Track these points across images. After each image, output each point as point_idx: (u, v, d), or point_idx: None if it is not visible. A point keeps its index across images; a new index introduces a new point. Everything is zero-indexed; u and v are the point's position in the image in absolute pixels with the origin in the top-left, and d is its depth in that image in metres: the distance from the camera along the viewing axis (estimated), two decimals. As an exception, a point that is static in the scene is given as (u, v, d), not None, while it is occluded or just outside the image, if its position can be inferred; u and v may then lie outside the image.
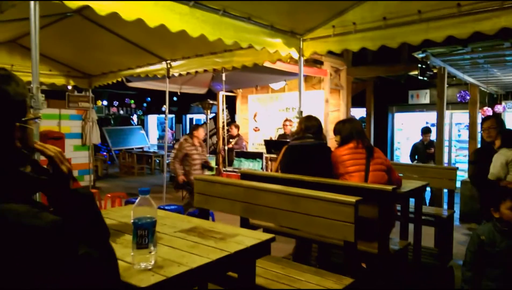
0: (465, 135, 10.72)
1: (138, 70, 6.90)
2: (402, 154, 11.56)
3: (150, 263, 1.58)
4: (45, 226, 0.96)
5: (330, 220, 2.53)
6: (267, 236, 2.04)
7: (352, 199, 2.42)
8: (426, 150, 7.87)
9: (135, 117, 20.44)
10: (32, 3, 2.78)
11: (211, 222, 2.38)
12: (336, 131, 3.70)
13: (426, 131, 8.13)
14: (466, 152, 8.38)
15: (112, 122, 19.22)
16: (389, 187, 2.86)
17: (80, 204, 1.21)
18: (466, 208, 7.08)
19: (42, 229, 0.95)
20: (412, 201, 3.69)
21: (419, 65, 5.12)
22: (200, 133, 7.09)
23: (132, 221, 1.56)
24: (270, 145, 7.79)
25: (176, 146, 7.10)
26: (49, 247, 0.95)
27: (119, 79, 7.64)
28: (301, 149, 3.66)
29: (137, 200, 1.59)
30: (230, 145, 8.93)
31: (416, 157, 8.09)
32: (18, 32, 5.54)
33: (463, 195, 7.26)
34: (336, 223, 2.50)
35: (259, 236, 2.05)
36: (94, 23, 5.04)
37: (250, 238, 2.00)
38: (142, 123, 20.97)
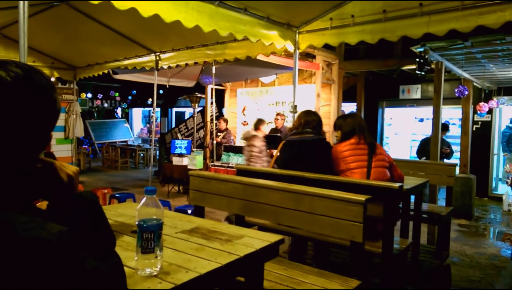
0: (453, 130, 10.79)
1: (126, 62, 6.73)
2: (391, 149, 11.57)
3: (156, 268, 1.46)
4: (51, 238, 0.83)
5: (337, 219, 2.43)
6: (276, 237, 1.93)
7: (361, 197, 2.32)
8: (441, 149, 7.05)
9: (119, 110, 20.10)
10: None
11: (213, 222, 2.26)
12: (336, 126, 3.60)
13: (443, 128, 6.99)
14: (456, 148, 8.38)
15: (95, 115, 18.88)
16: (396, 185, 2.78)
17: (85, 210, 1.09)
18: (457, 204, 7.08)
19: (48, 242, 0.82)
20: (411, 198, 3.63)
21: (417, 60, 5.06)
22: (266, 128, 6.77)
23: (137, 222, 1.43)
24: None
25: (246, 143, 6.66)
26: (55, 261, 0.82)
27: (105, 71, 7.46)
28: (300, 144, 3.55)
29: (142, 200, 1.47)
30: (218, 139, 8.79)
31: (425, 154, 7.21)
32: (1, 22, 5.32)
33: (454, 191, 7.26)
34: (343, 222, 2.40)
35: (267, 237, 1.93)
36: (81, 13, 4.87)
37: (258, 239, 1.89)
38: (127, 116, 20.63)
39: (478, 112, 7.31)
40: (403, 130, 11.71)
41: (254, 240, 1.89)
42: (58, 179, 1.10)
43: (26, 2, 2.70)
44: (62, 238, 0.86)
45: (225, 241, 1.87)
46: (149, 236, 1.43)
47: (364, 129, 3.48)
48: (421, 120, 11.41)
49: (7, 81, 0.90)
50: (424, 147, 7.37)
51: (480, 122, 9.67)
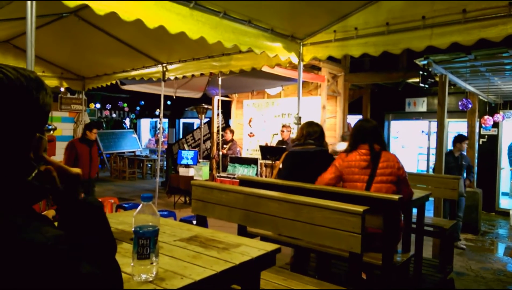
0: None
1: (133, 72, 6.81)
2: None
3: (151, 274, 1.48)
4: (46, 242, 0.86)
5: (335, 230, 2.43)
6: (272, 246, 1.94)
7: (359, 208, 2.32)
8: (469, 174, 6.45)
9: (127, 121, 20.25)
10: (28, 1, 2.66)
11: (212, 231, 2.27)
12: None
13: (460, 139, 6.48)
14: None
15: (104, 125, 19.03)
16: (395, 197, 2.77)
17: (89, 215, 1.12)
18: (464, 218, 7.01)
19: (43, 245, 0.85)
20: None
21: (421, 72, 5.07)
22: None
23: (133, 229, 1.46)
24: (266, 151, 7.70)
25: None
26: (49, 265, 0.84)
27: (113, 82, 7.55)
28: (302, 155, 3.57)
29: (139, 207, 1.49)
30: (224, 152, 8.82)
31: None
32: (12, 32, 5.45)
33: (460, 205, 7.20)
34: (341, 233, 2.40)
35: (264, 246, 1.95)
36: (90, 24, 4.96)
37: (254, 248, 1.91)
38: (135, 126, 20.78)
39: (483, 125, 7.27)
40: (410, 143, 11.68)
41: (250, 249, 1.90)
42: (69, 176, 1.12)
43: (33, 12, 2.76)
44: (57, 242, 0.88)
45: (222, 249, 1.89)
46: (145, 242, 1.45)
47: (369, 137, 3.31)
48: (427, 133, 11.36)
49: None
50: (446, 166, 6.39)
51: (486, 136, 9.60)
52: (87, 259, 0.99)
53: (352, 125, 10.49)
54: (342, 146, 6.41)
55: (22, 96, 0.97)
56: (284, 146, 7.26)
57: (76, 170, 1.15)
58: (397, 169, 3.23)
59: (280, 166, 3.80)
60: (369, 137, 3.31)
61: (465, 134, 6.87)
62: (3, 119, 0.94)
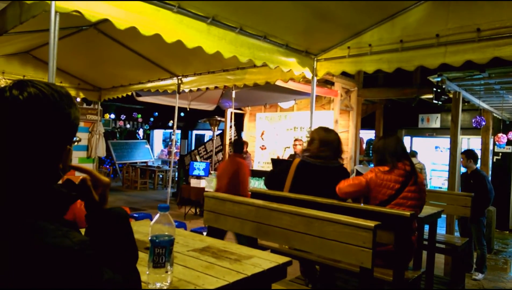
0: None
1: (149, 84, 6.91)
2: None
3: (166, 283, 1.52)
4: (73, 246, 0.91)
5: (346, 245, 2.45)
6: (284, 259, 1.97)
7: (371, 223, 2.34)
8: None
9: (141, 132, 20.45)
10: (53, 14, 2.75)
11: (224, 242, 2.31)
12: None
13: (469, 155, 5.90)
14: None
15: (118, 135, 19.24)
16: (407, 213, 2.78)
17: (114, 224, 1.17)
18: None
19: (70, 250, 0.90)
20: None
21: (434, 89, 5.08)
22: None
23: (149, 238, 1.50)
24: (277, 164, 7.72)
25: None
26: (74, 268, 0.90)
27: (129, 93, 7.66)
28: (322, 170, 3.50)
29: (155, 217, 1.54)
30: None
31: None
32: (32, 43, 5.58)
33: (472, 221, 7.11)
34: (352, 247, 2.42)
35: (276, 259, 1.97)
36: (108, 37, 5.06)
37: (266, 260, 1.93)
38: (148, 137, 20.96)
39: (497, 143, 7.23)
40: (423, 159, 11.60)
41: (262, 260, 1.93)
42: (90, 195, 1.18)
43: (57, 25, 2.85)
44: (83, 246, 0.93)
45: (234, 261, 1.92)
46: (161, 251, 1.49)
47: (402, 156, 3.19)
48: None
49: (19, 100, 0.98)
50: (462, 185, 6.09)
51: (500, 153, 9.51)
52: (110, 265, 1.03)
53: (365, 140, 10.48)
54: (364, 169, 6.35)
55: (56, 111, 1.04)
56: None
57: (106, 179, 1.21)
58: (424, 194, 3.22)
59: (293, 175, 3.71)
60: (403, 155, 3.22)
61: (472, 150, 6.61)
62: (37, 132, 1.00)
